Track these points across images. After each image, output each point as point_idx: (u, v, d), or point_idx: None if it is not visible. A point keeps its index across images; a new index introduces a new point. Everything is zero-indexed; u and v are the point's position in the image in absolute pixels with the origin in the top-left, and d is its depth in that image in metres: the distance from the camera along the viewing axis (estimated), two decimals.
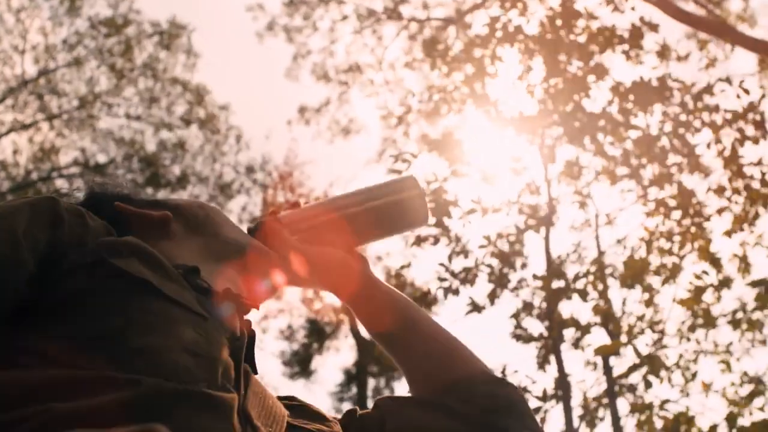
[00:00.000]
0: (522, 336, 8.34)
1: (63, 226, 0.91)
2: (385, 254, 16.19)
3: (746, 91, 7.80)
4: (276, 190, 17.91)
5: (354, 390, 16.95)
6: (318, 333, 17.92)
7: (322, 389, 21.39)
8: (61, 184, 17.37)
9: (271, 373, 17.90)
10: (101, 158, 17.53)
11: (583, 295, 8.17)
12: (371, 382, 17.14)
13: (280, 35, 14.47)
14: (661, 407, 7.84)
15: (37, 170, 17.20)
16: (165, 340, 0.84)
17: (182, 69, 17.60)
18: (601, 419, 8.05)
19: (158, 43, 17.35)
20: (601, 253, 8.59)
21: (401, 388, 16.83)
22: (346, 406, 17.37)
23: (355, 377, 17.03)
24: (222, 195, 17.85)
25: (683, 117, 7.91)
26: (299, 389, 17.76)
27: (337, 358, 22.76)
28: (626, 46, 8.00)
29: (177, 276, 0.95)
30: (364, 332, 16.98)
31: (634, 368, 7.93)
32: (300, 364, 17.84)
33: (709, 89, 7.83)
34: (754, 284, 7.72)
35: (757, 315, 7.77)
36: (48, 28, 17.06)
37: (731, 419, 7.39)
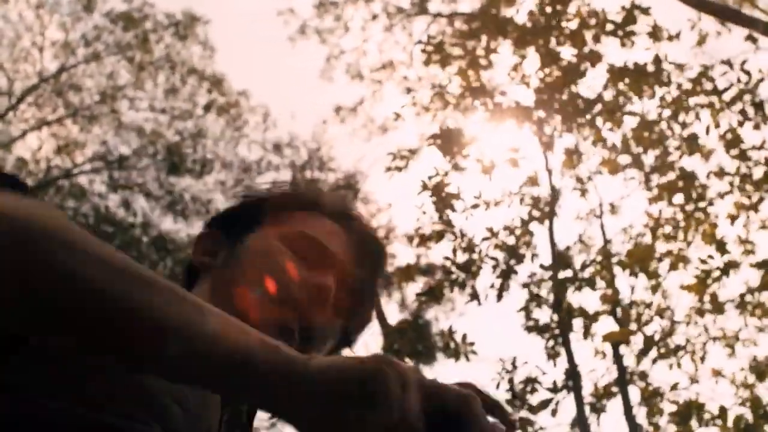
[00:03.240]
0: (533, 327, 8.34)
1: None
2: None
3: (747, 73, 7.69)
4: (304, 168, 17.94)
5: None
6: None
7: None
8: (83, 180, 17.61)
9: None
10: (123, 151, 17.71)
11: (591, 284, 8.15)
12: None
13: (312, 37, 14.58)
14: (673, 389, 7.83)
15: (58, 168, 17.42)
16: (156, 382, 0.79)
17: (200, 61, 17.73)
18: (607, 408, 8.03)
19: (174, 34, 17.46)
20: (606, 242, 8.54)
21: (428, 374, 16.79)
22: None
23: None
24: (248, 178, 17.97)
25: (681, 100, 7.83)
26: None
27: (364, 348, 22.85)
28: (619, 32, 7.92)
29: None
30: (390, 318, 17.09)
31: (643, 352, 7.93)
32: None
33: (705, 73, 7.73)
34: (759, 266, 7.66)
35: (764, 297, 7.70)
36: (68, 23, 17.23)
37: (754, 404, 7.35)
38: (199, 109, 17.59)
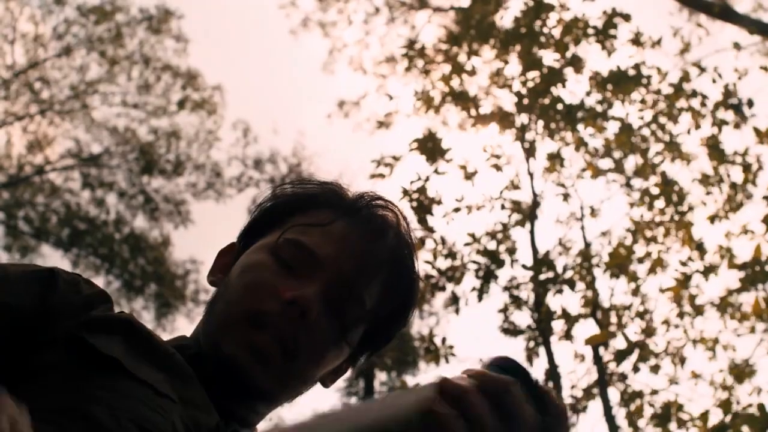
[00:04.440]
0: (510, 330, 8.38)
1: (54, 296, 0.91)
2: None
3: (719, 75, 7.79)
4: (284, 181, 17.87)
5: (362, 384, 16.75)
6: None
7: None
8: (54, 177, 17.41)
9: None
10: (96, 149, 17.55)
11: (571, 284, 8.20)
12: (382, 376, 16.90)
13: (314, 30, 14.60)
14: (653, 393, 7.91)
15: (30, 164, 17.24)
16: (113, 412, 0.81)
17: (173, 55, 17.59)
18: (586, 409, 8.10)
19: (148, 28, 17.31)
20: (587, 245, 8.59)
21: (411, 382, 16.73)
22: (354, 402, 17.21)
23: (363, 371, 16.86)
24: (219, 182, 17.87)
25: (662, 104, 7.90)
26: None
27: None
28: (600, 37, 7.98)
29: (162, 356, 0.93)
30: None
31: (623, 354, 7.98)
32: None
33: (686, 77, 7.80)
34: (739, 267, 7.72)
35: (743, 299, 7.78)
36: (39, 16, 17.01)
37: (725, 406, 7.43)
38: (173, 106, 17.44)
